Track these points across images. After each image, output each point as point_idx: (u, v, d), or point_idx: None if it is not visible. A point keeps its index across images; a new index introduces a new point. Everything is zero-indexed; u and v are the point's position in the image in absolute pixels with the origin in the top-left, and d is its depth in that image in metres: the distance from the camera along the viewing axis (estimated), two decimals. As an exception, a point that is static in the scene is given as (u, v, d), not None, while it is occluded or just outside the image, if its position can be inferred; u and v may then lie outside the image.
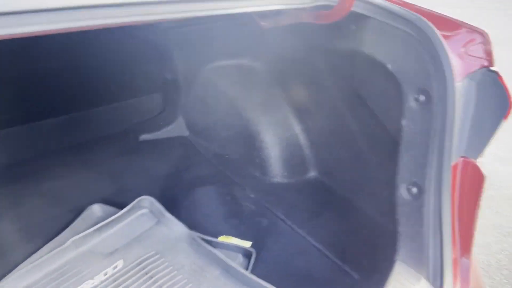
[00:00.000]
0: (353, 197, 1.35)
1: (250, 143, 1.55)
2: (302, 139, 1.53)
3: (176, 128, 1.85)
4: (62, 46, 1.36)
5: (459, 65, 0.79)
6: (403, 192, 0.87)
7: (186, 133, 1.85)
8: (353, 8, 0.91)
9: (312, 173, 1.53)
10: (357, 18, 0.93)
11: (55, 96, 1.63)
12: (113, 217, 1.19)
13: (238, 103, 1.58)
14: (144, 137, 1.80)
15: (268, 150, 1.53)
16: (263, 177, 1.53)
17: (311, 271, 1.12)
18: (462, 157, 0.82)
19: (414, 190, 0.84)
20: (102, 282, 1.02)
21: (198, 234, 1.17)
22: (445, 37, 0.80)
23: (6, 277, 1.02)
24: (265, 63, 1.53)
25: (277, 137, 1.53)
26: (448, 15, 0.87)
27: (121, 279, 1.02)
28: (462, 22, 0.85)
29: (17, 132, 1.57)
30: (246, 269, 1.08)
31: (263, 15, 1.10)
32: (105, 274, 1.04)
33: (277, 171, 1.53)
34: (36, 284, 1.00)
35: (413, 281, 0.80)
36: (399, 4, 0.87)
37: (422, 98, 0.82)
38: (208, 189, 1.48)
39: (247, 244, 1.19)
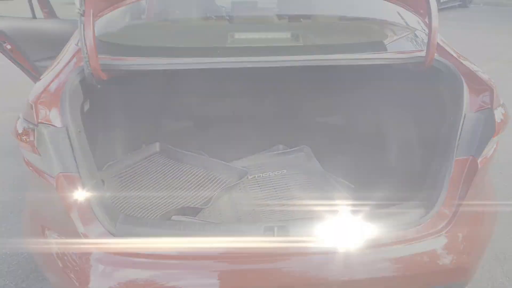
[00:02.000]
0: None
1: (378, 135, 2.37)
2: (414, 141, 2.23)
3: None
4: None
5: (476, 104, 1.47)
6: (437, 166, 1.58)
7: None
8: (435, 64, 1.66)
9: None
10: (438, 70, 1.67)
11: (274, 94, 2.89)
12: (288, 150, 2.36)
13: (379, 111, 2.42)
14: (318, 119, 2.86)
15: (388, 142, 2.31)
16: (381, 154, 2.32)
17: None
18: (471, 155, 1.48)
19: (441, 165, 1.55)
20: (276, 175, 2.16)
21: (327, 172, 2.15)
22: (472, 88, 1.49)
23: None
24: None
25: (396, 137, 2.28)
26: (480, 73, 1.53)
27: (285, 176, 2.14)
28: (484, 79, 1.50)
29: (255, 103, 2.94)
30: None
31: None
32: (278, 172, 2.18)
33: (390, 154, 2.29)
34: (253, 165, 2.23)
35: (415, 207, 1.48)
36: (455, 59, 1.59)
37: (453, 118, 1.53)
38: (342, 156, 2.42)
39: (351, 185, 2.08)
